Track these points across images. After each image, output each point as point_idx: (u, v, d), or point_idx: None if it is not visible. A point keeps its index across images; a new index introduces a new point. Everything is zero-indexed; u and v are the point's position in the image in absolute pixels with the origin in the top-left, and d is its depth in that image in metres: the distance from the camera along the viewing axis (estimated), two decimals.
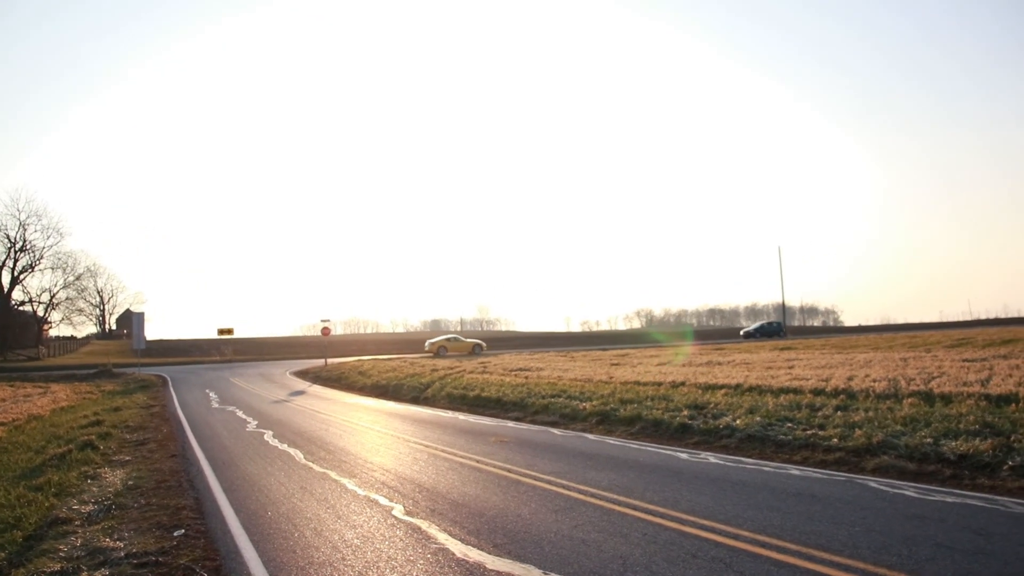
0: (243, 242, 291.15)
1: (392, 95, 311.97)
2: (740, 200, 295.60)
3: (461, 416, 19.88)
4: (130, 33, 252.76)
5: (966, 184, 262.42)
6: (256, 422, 19.32)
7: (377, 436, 16.03)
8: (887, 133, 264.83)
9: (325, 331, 51.59)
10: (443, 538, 7.57)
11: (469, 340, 62.59)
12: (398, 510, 8.90)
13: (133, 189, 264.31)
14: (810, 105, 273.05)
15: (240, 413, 21.92)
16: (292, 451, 14.00)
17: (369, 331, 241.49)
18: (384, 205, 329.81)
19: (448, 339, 62.29)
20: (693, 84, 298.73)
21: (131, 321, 71.18)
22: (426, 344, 62.61)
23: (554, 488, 9.84)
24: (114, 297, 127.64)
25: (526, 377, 28.12)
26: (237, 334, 71.71)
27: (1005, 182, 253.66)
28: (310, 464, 12.49)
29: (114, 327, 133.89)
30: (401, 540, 7.57)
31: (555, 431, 16.01)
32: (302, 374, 43.82)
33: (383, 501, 9.43)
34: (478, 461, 12.23)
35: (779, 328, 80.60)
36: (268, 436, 16.35)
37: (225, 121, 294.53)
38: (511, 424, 17.72)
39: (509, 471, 11.23)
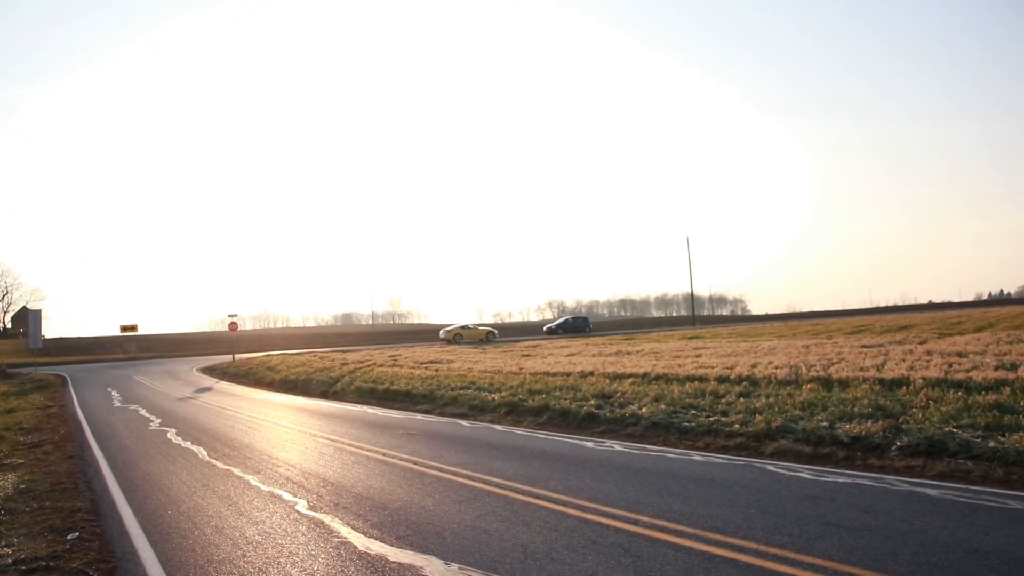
0: (147, 236, 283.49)
1: (304, 86, 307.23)
2: (651, 192, 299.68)
3: (370, 410, 19.74)
4: (26, 15, 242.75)
5: (867, 178, 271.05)
6: (159, 420, 18.86)
7: (284, 431, 15.80)
8: (794, 127, 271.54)
9: (233, 326, 50.70)
10: (346, 532, 7.50)
11: (482, 328, 67.29)
12: (302, 505, 8.79)
13: (30, 183, 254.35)
14: (720, 98, 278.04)
15: (143, 411, 21.37)
16: (196, 449, 13.70)
17: (279, 326, 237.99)
18: (294, 198, 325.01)
19: (463, 327, 65.56)
20: (606, 74, 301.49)
21: (27, 319, 68.46)
22: (441, 332, 66.42)
23: (459, 479, 9.85)
24: (9, 294, 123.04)
25: (436, 370, 28.08)
26: (141, 331, 69.98)
27: (903, 176, 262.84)
28: (214, 461, 12.25)
29: (9, 326, 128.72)
30: (304, 535, 7.48)
31: (463, 423, 16.02)
32: (209, 370, 42.96)
33: (287, 496, 9.30)
34: (385, 454, 12.16)
35: (584, 323, 74.84)
36: (171, 434, 15.97)
37: (122, 111, 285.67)
38: (420, 417, 17.67)
39: (415, 463, 11.19)
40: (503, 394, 18.36)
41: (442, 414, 17.88)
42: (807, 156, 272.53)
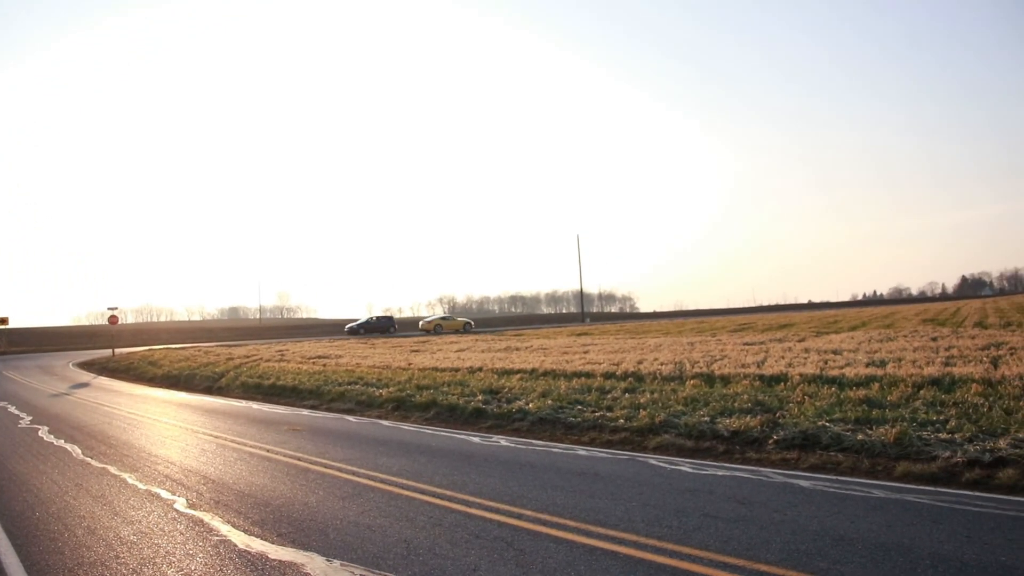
0: (20, 224, 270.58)
1: (168, 76, 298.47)
2: (544, 189, 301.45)
3: (255, 405, 19.33)
4: None
5: (751, 182, 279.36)
6: (30, 418, 18.03)
7: (164, 428, 15.32)
8: (686, 128, 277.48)
9: (113, 320, 48.83)
10: (226, 529, 7.32)
11: (460, 319, 72.94)
12: (180, 503, 8.53)
13: None
14: (620, 97, 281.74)
15: (12, 409, 20.39)
16: (69, 447, 13.15)
17: (163, 320, 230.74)
18: (177, 188, 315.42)
19: (442, 318, 71.82)
20: (502, 69, 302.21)
21: None
22: (420, 324, 71.64)
23: (344, 475, 9.74)
24: None
25: (324, 365, 27.71)
26: (12, 324, 66.66)
27: (784, 181, 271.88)
28: (88, 460, 11.78)
29: None
30: (182, 534, 7.26)
31: (350, 418, 15.85)
32: (87, 365, 41.30)
33: (165, 495, 9.01)
34: (268, 451, 11.93)
35: (389, 323, 71.93)
36: (43, 432, 15.28)
37: None
38: (306, 412, 17.40)
39: (299, 459, 11.01)
40: (391, 389, 18.23)
41: (329, 410, 17.66)
42: (701, 159, 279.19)
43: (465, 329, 69.40)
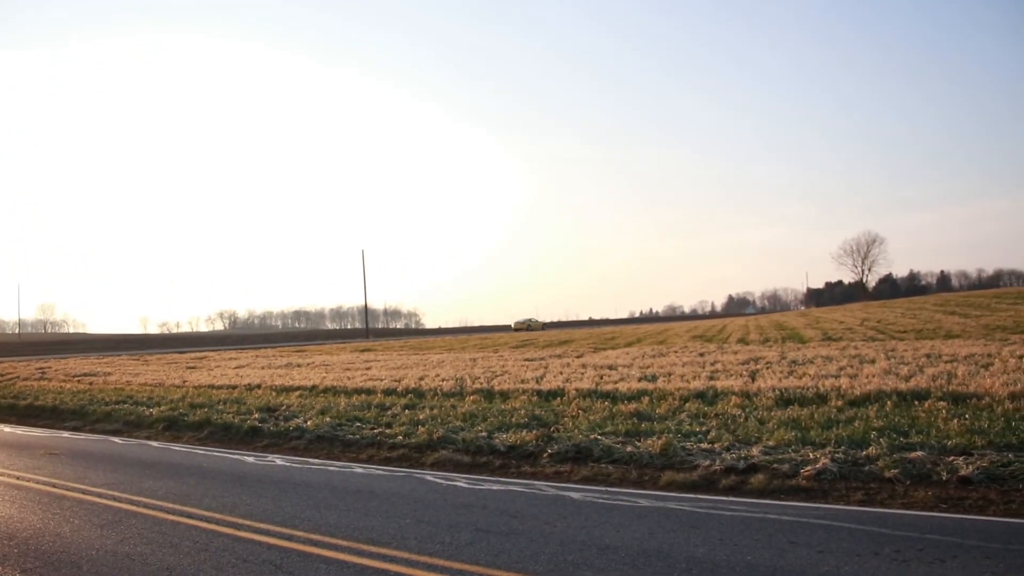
0: None
1: None
2: (329, 203, 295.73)
3: (8, 428, 17.80)
4: None
5: (538, 199, 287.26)
6: None
7: None
8: (477, 146, 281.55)
9: None
10: None
11: (539, 321, 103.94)
12: None
13: None
14: (401, 109, 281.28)
15: None
16: None
17: None
18: None
19: (529, 320, 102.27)
20: (285, 85, 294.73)
21: None
22: (513, 324, 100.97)
23: (104, 501, 9.09)
24: None
25: (91, 383, 26.02)
26: None
27: (570, 198, 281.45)
28: None
29: None
30: None
31: (116, 440, 14.90)
32: None
33: None
34: (19, 477, 10.97)
35: None
36: None
37: None
38: (67, 434, 16.19)
39: (55, 486, 10.19)
40: (162, 408, 17.32)
41: (93, 431, 16.54)
42: (491, 177, 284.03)
43: (544, 328, 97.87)
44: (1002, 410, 11.17)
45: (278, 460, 11.78)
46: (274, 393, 19.14)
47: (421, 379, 19.87)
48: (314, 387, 19.81)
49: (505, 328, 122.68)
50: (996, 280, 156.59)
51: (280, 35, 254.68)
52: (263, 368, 28.99)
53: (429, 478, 9.88)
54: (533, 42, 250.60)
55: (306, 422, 14.15)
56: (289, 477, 10.30)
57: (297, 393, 18.71)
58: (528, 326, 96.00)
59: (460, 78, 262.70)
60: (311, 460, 11.67)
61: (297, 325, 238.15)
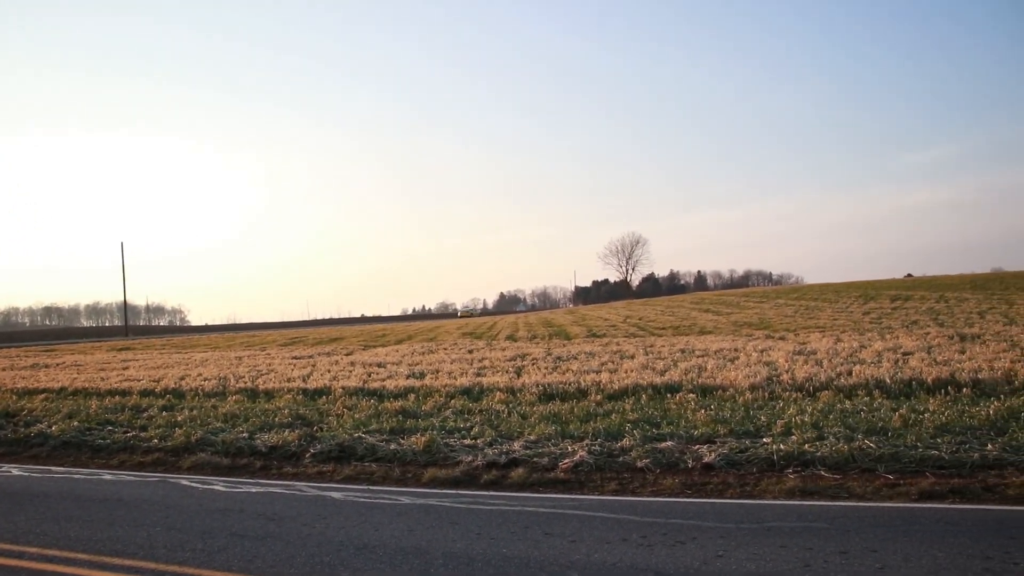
0: None
1: None
2: (86, 190, 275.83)
3: None
4: None
5: (307, 191, 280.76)
6: None
7: None
8: (242, 141, 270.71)
9: None
10: None
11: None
12: None
13: None
14: (154, 96, 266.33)
15: None
16: None
17: None
18: None
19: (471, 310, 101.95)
20: (49, 67, 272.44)
21: None
22: (459, 311, 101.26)
23: None
24: None
25: None
26: None
27: (342, 190, 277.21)
28: None
29: None
30: None
31: None
32: None
33: None
34: None
35: None
36: None
37: None
38: None
39: None
40: None
41: None
42: (245, 167, 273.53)
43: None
44: (743, 400, 12.13)
45: (15, 470, 10.87)
46: (15, 397, 17.66)
47: (182, 379, 19.02)
48: (63, 389, 18.50)
49: (275, 326, 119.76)
50: (746, 280, 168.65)
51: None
52: (3, 370, 26.71)
53: (184, 483, 9.46)
54: (306, 34, 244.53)
55: (51, 427, 13.15)
56: (27, 488, 9.54)
57: (42, 396, 17.36)
58: (471, 313, 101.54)
59: (228, 58, 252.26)
60: (55, 469, 10.85)
61: (48, 323, 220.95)
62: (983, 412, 9.95)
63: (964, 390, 11.87)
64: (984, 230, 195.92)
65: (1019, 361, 14.39)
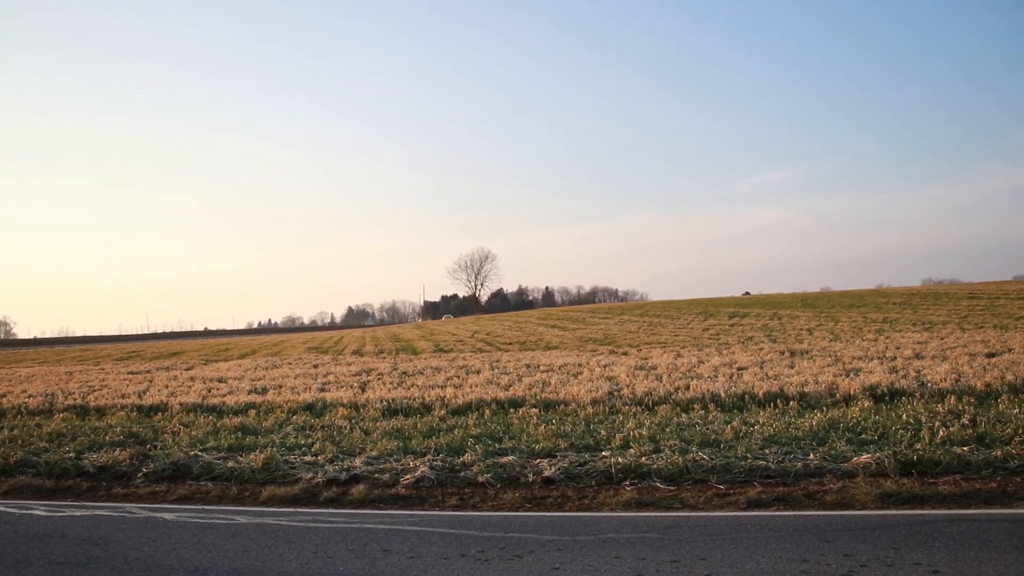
0: None
1: None
2: None
3: None
4: None
5: (149, 195, 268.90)
6: None
7: None
8: (136, 144, 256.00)
9: None
10: None
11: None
12: None
13: None
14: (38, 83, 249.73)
15: None
16: None
17: None
18: None
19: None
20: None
21: None
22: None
23: None
24: None
25: None
26: None
27: (187, 199, 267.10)
28: None
29: None
30: None
31: None
32: None
33: None
34: None
35: None
36: None
37: None
38: None
39: None
40: None
41: None
42: (90, 171, 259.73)
43: None
44: (584, 415, 12.42)
45: None
46: None
47: (3, 396, 17.91)
48: None
49: (112, 339, 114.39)
50: (592, 296, 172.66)
51: None
52: None
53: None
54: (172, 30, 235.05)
55: None
56: None
57: None
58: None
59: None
60: None
61: None
62: (807, 424, 10.54)
63: (791, 403, 12.60)
64: (815, 251, 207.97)
65: (841, 375, 15.34)
